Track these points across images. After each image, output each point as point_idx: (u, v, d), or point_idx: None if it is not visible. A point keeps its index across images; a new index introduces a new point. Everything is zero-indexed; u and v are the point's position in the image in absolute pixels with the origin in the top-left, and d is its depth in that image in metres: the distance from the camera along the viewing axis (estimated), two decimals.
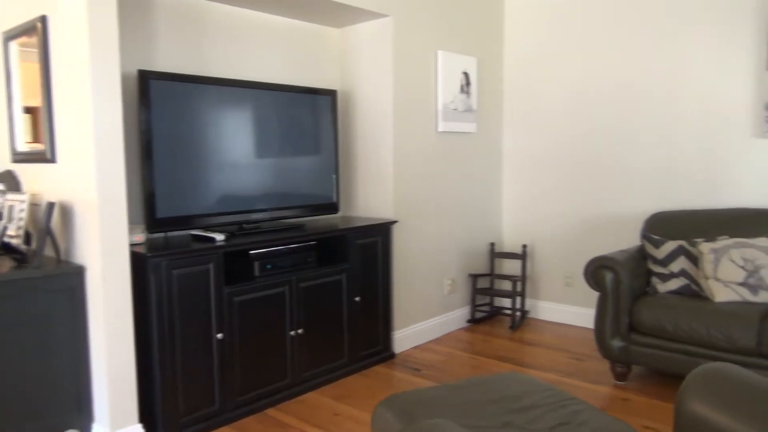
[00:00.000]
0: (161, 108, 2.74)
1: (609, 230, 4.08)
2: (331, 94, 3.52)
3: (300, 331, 3.09)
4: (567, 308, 4.31)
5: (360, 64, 3.72)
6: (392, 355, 3.65)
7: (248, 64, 3.37)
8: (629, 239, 3.99)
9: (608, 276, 3.17)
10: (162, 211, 2.77)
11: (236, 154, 3.04)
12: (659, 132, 3.81)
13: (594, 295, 4.17)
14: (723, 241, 3.15)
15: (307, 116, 3.38)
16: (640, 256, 3.36)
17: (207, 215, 2.95)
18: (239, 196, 3.07)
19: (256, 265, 2.95)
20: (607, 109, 4.03)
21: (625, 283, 3.13)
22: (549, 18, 4.25)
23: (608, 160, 4.05)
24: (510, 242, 4.60)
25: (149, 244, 2.68)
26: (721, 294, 3.04)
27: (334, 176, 3.53)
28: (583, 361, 3.55)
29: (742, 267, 3.06)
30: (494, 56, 4.41)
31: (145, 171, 2.70)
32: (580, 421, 1.69)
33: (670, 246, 3.29)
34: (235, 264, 2.97)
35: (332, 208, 3.55)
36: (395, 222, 3.58)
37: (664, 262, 3.28)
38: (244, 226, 3.13)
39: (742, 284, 3.04)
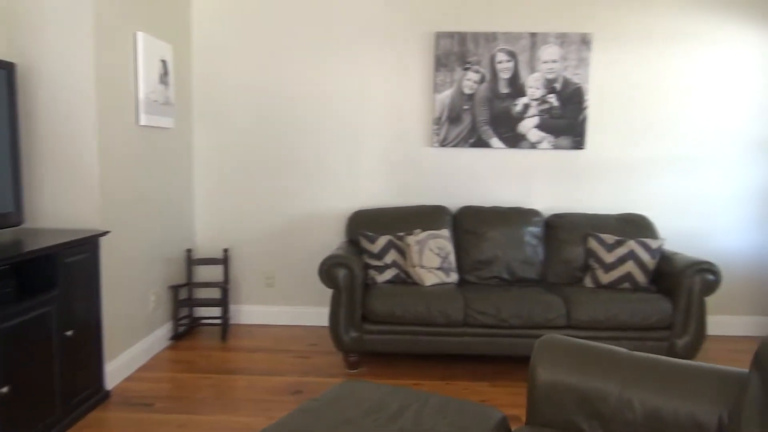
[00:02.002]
0: None
1: (308, 229, 4.27)
2: (8, 67, 2.65)
3: (4, 389, 2.26)
4: (269, 309, 4.33)
5: (46, 34, 2.89)
6: (107, 394, 3.00)
7: None
8: (328, 237, 4.27)
9: (342, 272, 3.36)
10: None
11: None
12: (351, 139, 4.20)
13: (294, 293, 4.31)
14: (421, 234, 3.71)
15: None
16: (357, 251, 3.66)
17: None
18: None
19: None
20: (300, 114, 4.19)
21: (358, 277, 3.37)
22: (240, 11, 4.14)
23: (304, 162, 4.23)
24: (206, 247, 4.32)
25: None
26: (428, 278, 3.59)
27: (12, 178, 2.67)
28: (308, 358, 3.65)
29: (438, 254, 3.68)
30: (184, 45, 4.05)
31: None
32: (455, 410, 1.81)
33: (382, 241, 3.69)
34: None
35: (13, 219, 2.68)
36: (107, 232, 2.95)
37: (379, 255, 3.66)
38: None
39: (439, 269, 3.66)
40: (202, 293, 4.28)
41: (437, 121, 4.14)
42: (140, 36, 3.36)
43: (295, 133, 4.21)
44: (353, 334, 3.38)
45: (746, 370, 1.62)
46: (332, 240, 4.27)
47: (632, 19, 4.02)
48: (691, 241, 4.14)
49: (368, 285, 3.55)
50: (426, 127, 4.17)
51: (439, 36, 4.07)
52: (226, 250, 4.14)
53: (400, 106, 4.16)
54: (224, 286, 4.04)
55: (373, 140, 4.19)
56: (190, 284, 4.09)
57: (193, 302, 4.01)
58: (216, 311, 4.29)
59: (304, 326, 4.28)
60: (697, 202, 4.13)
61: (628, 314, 3.32)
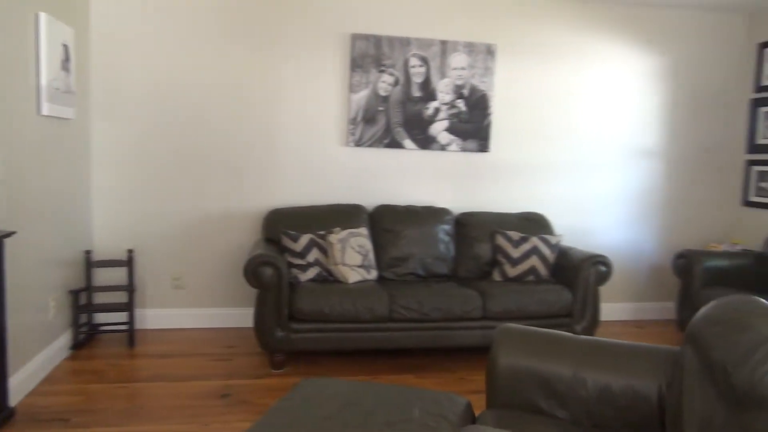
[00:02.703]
0: None
1: (218, 228, 4.14)
2: None
3: None
4: (178, 312, 4.13)
5: None
6: (12, 412, 2.71)
7: None
8: (240, 236, 4.16)
9: (269, 272, 3.31)
10: None
11: None
12: (265, 137, 4.13)
13: (205, 295, 4.16)
14: (342, 233, 3.76)
15: None
16: (277, 250, 3.62)
17: None
18: None
19: None
20: (210, 109, 4.05)
21: (285, 276, 3.35)
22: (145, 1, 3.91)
23: (215, 159, 4.09)
24: (107, 248, 4.01)
25: None
26: (351, 276, 3.65)
27: None
28: (229, 361, 3.55)
29: (359, 252, 3.76)
30: (83, 29, 3.74)
31: None
32: (423, 400, 1.90)
33: (304, 239, 3.69)
34: None
35: None
36: (12, 233, 2.66)
37: (302, 254, 3.66)
38: None
39: (360, 266, 3.73)
40: (103, 297, 3.98)
41: (353, 121, 4.21)
42: (42, 17, 3.06)
43: (204, 128, 4.05)
44: (280, 333, 3.35)
45: (677, 347, 1.89)
46: (244, 239, 4.17)
47: (531, 33, 4.37)
48: (580, 237, 4.60)
49: (291, 284, 3.53)
50: (342, 126, 4.22)
51: (356, 38, 4.14)
52: (130, 251, 3.88)
53: (316, 104, 4.17)
54: (130, 289, 3.79)
55: (287, 138, 4.16)
56: (90, 288, 3.79)
57: (94, 307, 3.72)
58: (118, 317, 4.01)
59: (218, 328, 4.14)
60: (584, 202, 4.59)
61: (536, 304, 3.62)
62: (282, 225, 3.86)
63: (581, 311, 3.71)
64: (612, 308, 4.71)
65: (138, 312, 4.06)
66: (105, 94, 3.91)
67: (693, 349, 1.70)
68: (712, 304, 1.77)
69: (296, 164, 4.19)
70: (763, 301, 1.67)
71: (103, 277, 3.99)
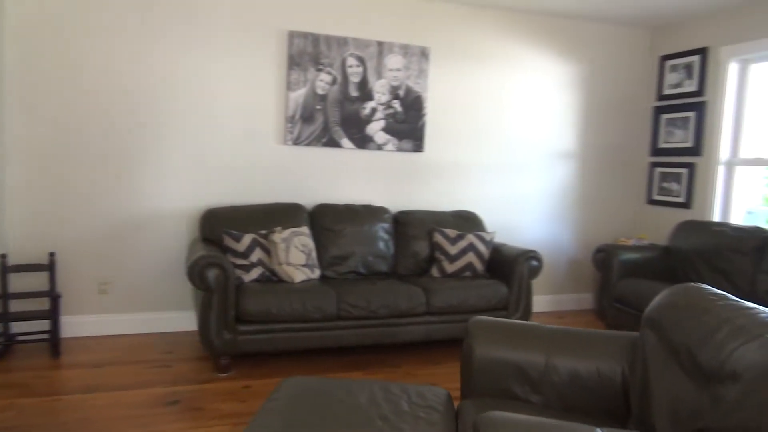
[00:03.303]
0: None
1: (147, 229, 3.94)
2: None
3: None
4: (104, 318, 3.89)
5: None
6: None
7: None
8: (169, 237, 3.99)
9: (214, 273, 3.21)
10: None
11: None
12: (199, 135, 3.98)
13: (133, 299, 3.95)
14: (285, 232, 3.72)
15: None
16: (219, 251, 3.51)
17: None
18: None
19: None
20: (141, 104, 3.84)
21: (231, 278, 3.26)
22: None
23: (144, 157, 3.89)
24: (25, 251, 3.69)
25: None
26: (296, 275, 3.62)
27: None
28: (170, 366, 3.40)
29: (302, 251, 3.74)
30: None
31: None
32: (408, 392, 1.95)
33: (247, 239, 3.61)
34: None
35: None
36: None
37: (245, 254, 3.57)
38: None
39: (305, 265, 3.71)
40: (20, 305, 3.66)
41: (291, 120, 4.16)
42: None
43: (131, 123, 3.84)
44: (227, 336, 3.26)
45: (636, 333, 2.07)
46: (174, 240, 4.00)
47: (462, 38, 4.55)
48: (506, 233, 4.85)
49: (236, 285, 3.44)
50: (279, 124, 4.17)
51: (293, 35, 4.10)
52: (52, 254, 3.60)
53: (253, 102, 4.09)
54: (53, 295, 3.52)
55: (223, 136, 4.04)
56: (6, 296, 3.47)
57: (12, 316, 3.42)
58: (37, 325, 3.71)
59: (150, 334, 3.95)
60: (510, 200, 4.85)
61: (475, 298, 3.78)
62: (221, 224, 3.76)
63: (516, 304, 3.92)
64: (534, 300, 5.01)
65: (60, 319, 3.77)
66: (20, 84, 3.60)
67: (654, 334, 1.88)
68: (666, 291, 1.96)
69: (232, 162, 4.08)
70: (711, 288, 1.89)
71: (20, 283, 3.67)
